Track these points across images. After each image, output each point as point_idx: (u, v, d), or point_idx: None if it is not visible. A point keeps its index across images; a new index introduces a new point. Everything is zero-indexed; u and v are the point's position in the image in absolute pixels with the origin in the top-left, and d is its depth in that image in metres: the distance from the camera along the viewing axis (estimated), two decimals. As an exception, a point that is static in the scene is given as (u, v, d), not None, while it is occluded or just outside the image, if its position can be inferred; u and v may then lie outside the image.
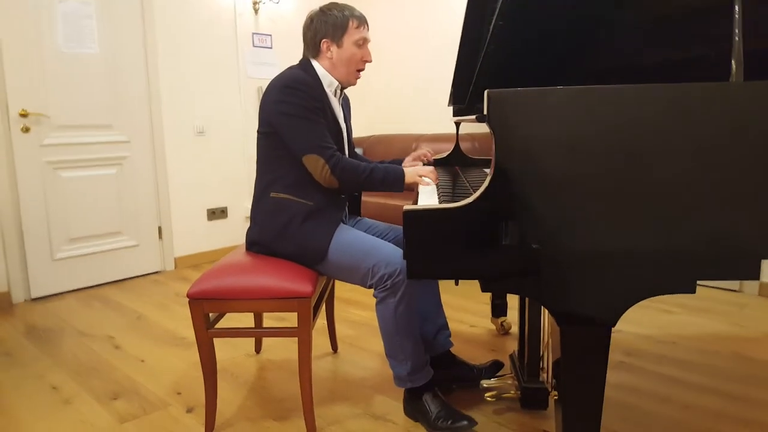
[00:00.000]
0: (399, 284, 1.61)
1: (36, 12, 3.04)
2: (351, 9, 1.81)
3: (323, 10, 1.80)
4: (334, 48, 1.79)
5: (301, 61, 1.85)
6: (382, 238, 1.88)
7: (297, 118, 1.68)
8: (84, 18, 3.23)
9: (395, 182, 1.75)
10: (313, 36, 1.81)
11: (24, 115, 3.02)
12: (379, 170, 1.74)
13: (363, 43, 1.81)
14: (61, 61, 3.16)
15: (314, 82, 1.76)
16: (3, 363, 2.29)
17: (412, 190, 1.90)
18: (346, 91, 1.92)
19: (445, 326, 1.96)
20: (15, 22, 2.97)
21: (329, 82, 1.81)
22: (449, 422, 1.64)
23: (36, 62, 3.06)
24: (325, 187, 1.73)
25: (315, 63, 1.82)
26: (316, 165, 1.69)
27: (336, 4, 1.82)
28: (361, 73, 1.86)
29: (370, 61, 1.85)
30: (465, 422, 1.64)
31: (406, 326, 1.66)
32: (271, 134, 1.75)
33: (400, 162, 2.02)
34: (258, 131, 1.80)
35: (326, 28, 1.78)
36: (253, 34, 4.09)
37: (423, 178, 1.75)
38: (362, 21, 1.81)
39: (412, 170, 1.77)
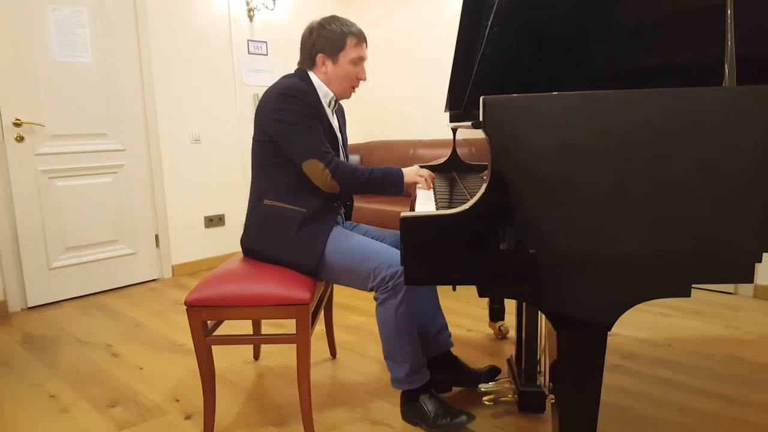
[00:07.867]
0: (400, 286, 1.63)
1: (28, 20, 3.04)
2: (351, 25, 1.80)
3: (322, 24, 1.79)
4: (329, 63, 1.80)
5: (297, 70, 1.86)
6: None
7: (295, 125, 1.69)
8: (77, 26, 3.23)
9: (395, 182, 1.78)
10: (310, 48, 1.81)
11: (18, 125, 3.02)
12: (378, 170, 1.77)
13: (359, 61, 1.81)
14: (55, 70, 3.16)
15: (310, 90, 1.77)
16: (0, 372, 2.28)
17: (410, 195, 1.92)
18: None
19: (445, 326, 1.97)
20: (6, 30, 2.97)
21: (324, 93, 1.82)
22: (448, 419, 1.67)
23: (29, 71, 3.06)
24: (320, 193, 1.75)
25: (311, 74, 1.83)
26: (316, 170, 1.70)
27: (337, 18, 1.81)
28: (355, 88, 1.87)
29: (365, 80, 1.86)
30: (464, 417, 1.67)
31: (406, 327, 1.67)
32: (267, 142, 1.75)
33: None
34: (254, 139, 1.81)
35: (323, 43, 1.78)
36: (248, 41, 4.10)
37: (421, 179, 1.79)
38: (361, 39, 1.81)
39: (411, 170, 1.81)
